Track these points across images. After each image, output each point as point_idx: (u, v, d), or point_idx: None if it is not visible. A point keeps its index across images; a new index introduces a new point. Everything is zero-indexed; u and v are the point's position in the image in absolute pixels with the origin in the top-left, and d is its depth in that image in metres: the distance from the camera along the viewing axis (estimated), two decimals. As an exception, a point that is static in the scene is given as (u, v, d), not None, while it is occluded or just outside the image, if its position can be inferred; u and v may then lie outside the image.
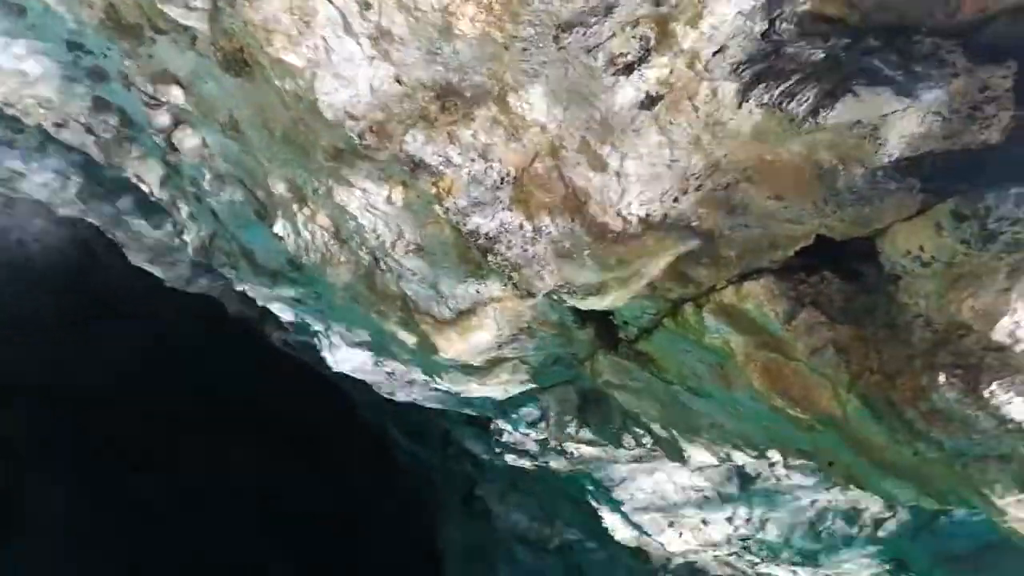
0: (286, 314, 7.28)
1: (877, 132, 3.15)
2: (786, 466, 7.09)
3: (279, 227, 5.15)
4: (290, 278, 6.11)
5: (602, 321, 4.74)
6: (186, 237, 6.91)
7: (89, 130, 6.48)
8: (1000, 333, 2.81)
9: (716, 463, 5.67)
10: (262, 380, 13.34)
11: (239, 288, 7.52)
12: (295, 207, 4.84)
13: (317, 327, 7.02)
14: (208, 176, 5.68)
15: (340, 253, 4.80)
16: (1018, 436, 2.84)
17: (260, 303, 7.68)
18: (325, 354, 7.31)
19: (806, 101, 3.12)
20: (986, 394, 2.84)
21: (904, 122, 3.10)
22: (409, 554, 12.58)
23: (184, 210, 6.71)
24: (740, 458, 5.20)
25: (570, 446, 7.47)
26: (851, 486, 4.08)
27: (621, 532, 8.57)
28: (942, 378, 2.96)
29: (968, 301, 2.90)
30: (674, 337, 4.23)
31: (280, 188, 4.86)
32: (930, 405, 3.04)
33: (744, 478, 7.43)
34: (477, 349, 4.79)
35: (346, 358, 7.08)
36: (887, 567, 7.51)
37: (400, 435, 11.26)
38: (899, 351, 3.28)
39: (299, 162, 4.45)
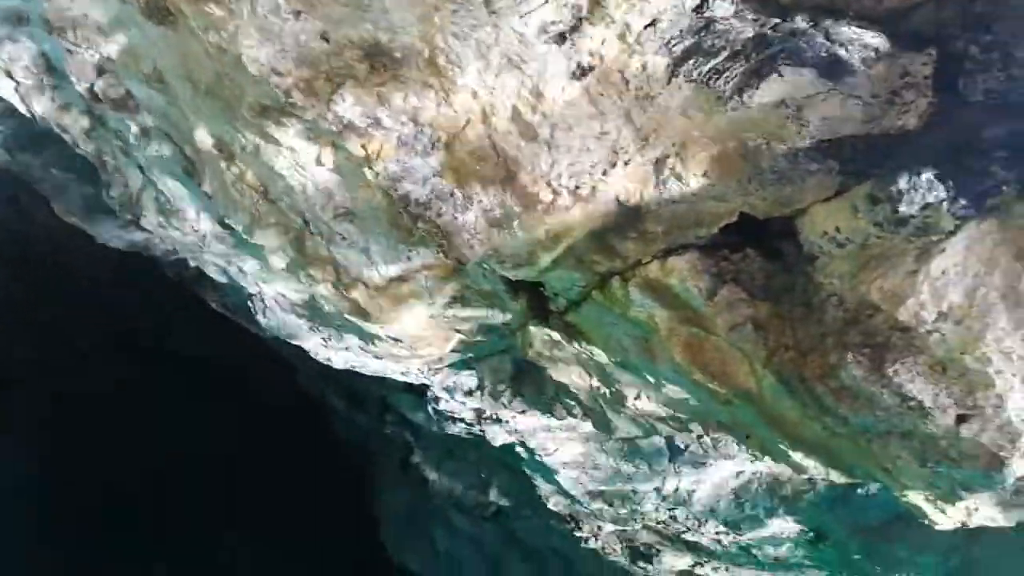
0: (219, 276, 7.12)
1: (800, 113, 3.19)
2: (713, 439, 7.28)
3: (207, 185, 5.00)
4: (220, 238, 5.95)
5: (533, 292, 4.75)
6: (113, 192, 6.66)
7: (8, 75, 6.16)
8: (906, 314, 2.90)
9: (641, 434, 5.77)
10: (199, 342, 13.05)
11: (169, 246, 7.31)
12: (223, 164, 4.70)
13: (251, 290, 6.88)
14: (134, 129, 5.47)
15: (269, 214, 4.68)
16: (919, 414, 2.95)
17: (192, 263, 7.48)
18: (259, 318, 7.18)
19: (733, 79, 3.14)
20: (890, 373, 2.94)
21: (826, 105, 3.15)
22: (346, 520, 12.57)
23: (110, 163, 6.46)
24: (664, 430, 5.31)
25: (505, 415, 7.52)
26: (767, 459, 4.19)
27: (554, 500, 8.70)
28: (850, 356, 3.04)
29: (878, 282, 2.98)
30: (601, 310, 4.27)
31: (207, 144, 4.71)
32: (839, 382, 3.14)
33: (673, 450, 7.59)
34: (407, 314, 4.75)
35: (280, 322, 6.97)
36: (806, 536, 7.79)
37: (338, 402, 11.18)
38: (813, 329, 3.37)
39: (225, 117, 4.31)
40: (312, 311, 6.24)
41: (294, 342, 7.22)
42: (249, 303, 7.21)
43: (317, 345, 7.21)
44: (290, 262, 4.96)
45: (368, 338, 5.78)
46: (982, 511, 3.19)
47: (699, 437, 7.43)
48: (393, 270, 4.50)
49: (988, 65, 3.10)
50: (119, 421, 13.89)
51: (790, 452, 3.86)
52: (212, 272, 7.19)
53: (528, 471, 8.41)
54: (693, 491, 7.85)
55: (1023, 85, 3.12)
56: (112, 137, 5.92)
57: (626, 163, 3.58)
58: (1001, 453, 2.84)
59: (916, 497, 3.26)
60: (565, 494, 8.29)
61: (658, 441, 7.50)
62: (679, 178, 3.55)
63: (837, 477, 3.70)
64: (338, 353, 7.15)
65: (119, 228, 8.93)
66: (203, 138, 4.67)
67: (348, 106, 3.58)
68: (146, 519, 14.15)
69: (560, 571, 10.13)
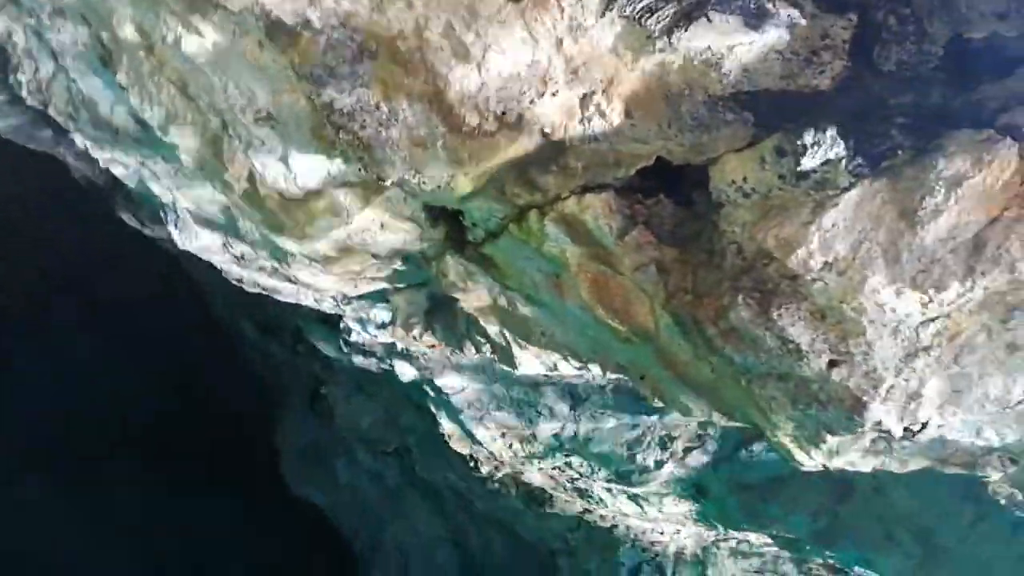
0: (131, 180, 6.82)
1: (722, 62, 3.29)
2: (614, 391, 7.53)
3: (123, 76, 4.77)
4: (134, 138, 5.70)
5: (452, 222, 4.77)
6: (21, 76, 6.25)
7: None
8: (795, 262, 3.07)
9: (544, 372, 5.92)
10: (109, 261, 12.54)
11: (80, 145, 6.95)
12: (142, 54, 4.49)
13: (164, 199, 6.63)
14: (48, 8, 5.14)
15: (187, 111, 4.51)
16: (796, 357, 3.14)
17: (102, 165, 7.14)
18: (172, 230, 6.94)
19: (664, 19, 3.20)
20: (775, 316, 3.11)
21: (749, 56, 3.25)
22: (249, 448, 12.45)
23: (20, 45, 6.05)
24: (566, 368, 5.46)
25: (416, 350, 7.57)
26: (658, 401, 4.39)
27: (457, 440, 8.84)
28: (740, 299, 3.21)
29: (774, 231, 3.14)
30: (517, 244, 4.33)
31: (127, 31, 4.48)
32: (728, 324, 3.31)
33: (575, 398, 7.82)
34: (324, 233, 4.70)
35: (194, 236, 6.76)
36: (690, 491, 8.20)
37: (251, 328, 10.97)
38: (712, 275, 3.52)
39: (149, 4, 4.11)
40: (226, 224, 6.07)
41: (206, 257, 7.02)
42: (161, 213, 6.96)
43: (230, 263, 7.04)
44: (205, 165, 4.81)
45: (281, 256, 5.69)
46: (843, 455, 3.45)
47: (602, 388, 7.68)
48: (312, 183, 4.43)
49: (903, 37, 3.26)
50: (20, 351, 13.31)
51: (680, 393, 4.05)
52: (123, 176, 6.88)
53: (433, 408, 8.49)
54: (590, 439, 8.12)
55: (932, 60, 3.30)
56: (24, 14, 5.54)
57: (554, 94, 3.61)
58: (864, 398, 3.07)
59: (785, 439, 3.49)
60: (467, 433, 8.43)
61: (564, 388, 7.71)
62: (603, 116, 3.62)
63: (719, 419, 3.92)
64: (251, 273, 7.00)
65: (28, 124, 8.40)
66: (124, 24, 4.44)
67: (278, 1, 3.47)
68: (26, 439, 13.62)
69: (457, 509, 10.37)
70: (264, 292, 7.51)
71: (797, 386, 3.27)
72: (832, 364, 3.11)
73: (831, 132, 3.04)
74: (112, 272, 13.04)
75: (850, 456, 3.44)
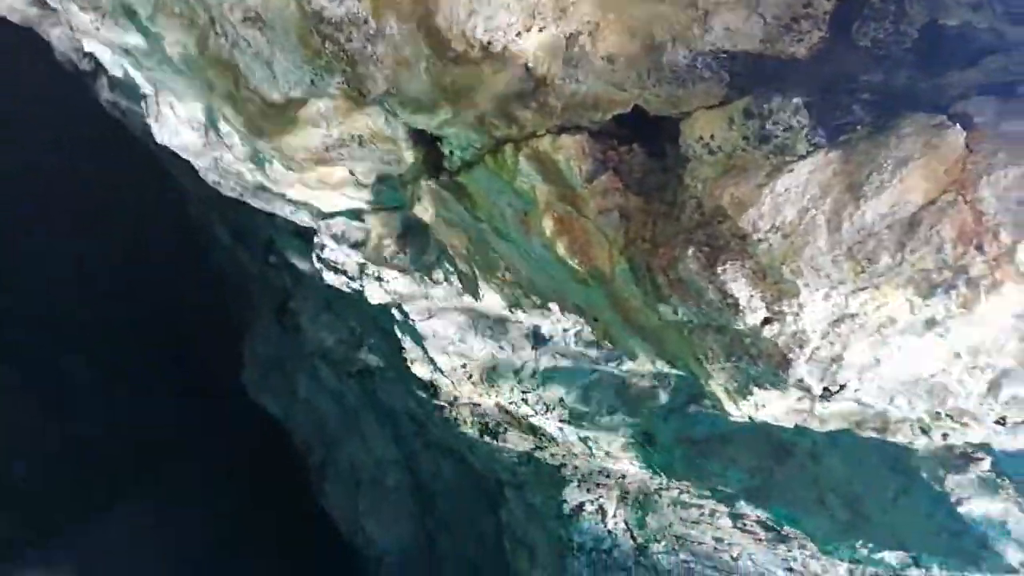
0: (114, 68, 6.74)
1: (708, 18, 3.35)
2: (576, 336, 7.72)
3: (114, -42, 4.70)
4: (122, 23, 5.63)
5: (431, 147, 4.83)
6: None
7: None
8: (746, 221, 3.20)
9: (506, 305, 6.06)
10: (83, 150, 12.37)
11: (67, 25, 6.83)
12: (134, -61, 4.43)
13: (147, 89, 6.59)
14: None
15: (175, 3, 4.49)
16: (734, 312, 3.30)
17: (87, 48, 7.04)
18: (152, 123, 6.90)
19: (655, -33, 3.24)
20: (719, 271, 3.26)
21: (732, 15, 3.32)
22: (212, 354, 12.59)
23: (9, -85, 5.91)
24: (527, 305, 5.61)
25: (386, 274, 7.67)
26: (608, 343, 4.55)
27: (419, 366, 9.02)
28: (690, 252, 3.35)
29: (731, 189, 3.26)
30: (491, 176, 4.42)
31: (121, -87, 4.41)
32: (676, 274, 3.45)
33: (538, 338, 8.01)
34: (304, 142, 4.75)
35: (174, 133, 6.74)
36: (638, 438, 8.50)
37: (225, 234, 10.99)
38: (671, 227, 3.65)
39: None
40: (206, 123, 6.07)
41: (184, 155, 7.01)
42: (143, 105, 6.91)
43: (208, 164, 7.05)
44: (189, 61, 4.80)
45: (260, 161, 5.72)
46: (768, 408, 3.65)
47: (565, 331, 7.86)
48: (295, 91, 4.45)
49: (883, 15, 3.33)
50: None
51: (628, 338, 4.22)
52: (107, 63, 6.80)
53: (398, 333, 8.64)
54: (548, 379, 8.34)
55: (907, 41, 3.38)
56: None
57: (541, 30, 3.66)
58: (790, 356, 3.25)
59: (718, 388, 3.68)
60: (429, 360, 8.60)
61: (526, 327, 7.89)
62: (586, 57, 3.68)
63: (663, 367, 4.10)
64: (228, 176, 7.02)
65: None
66: (117, -96, 4.37)
67: (274, -100, 3.46)
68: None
69: (412, 434, 10.63)
70: (241, 198, 7.54)
71: (732, 340, 3.44)
72: (766, 321, 3.27)
73: (796, 100, 3.13)
74: (85, 165, 12.89)
75: (774, 410, 3.64)
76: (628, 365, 7.77)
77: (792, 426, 3.83)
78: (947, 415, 3.41)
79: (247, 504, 12.91)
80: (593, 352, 7.80)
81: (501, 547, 10.16)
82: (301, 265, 9.44)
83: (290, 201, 6.98)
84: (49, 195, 13.62)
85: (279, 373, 11.49)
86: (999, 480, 5.50)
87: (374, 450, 10.98)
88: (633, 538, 9.51)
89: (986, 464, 5.39)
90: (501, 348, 8.35)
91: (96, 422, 13.28)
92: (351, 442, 11.01)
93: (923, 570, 8.00)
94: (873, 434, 3.74)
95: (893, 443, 6.01)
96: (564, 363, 8.18)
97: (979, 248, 2.82)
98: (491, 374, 8.65)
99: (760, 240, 3.17)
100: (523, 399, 8.85)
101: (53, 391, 13.28)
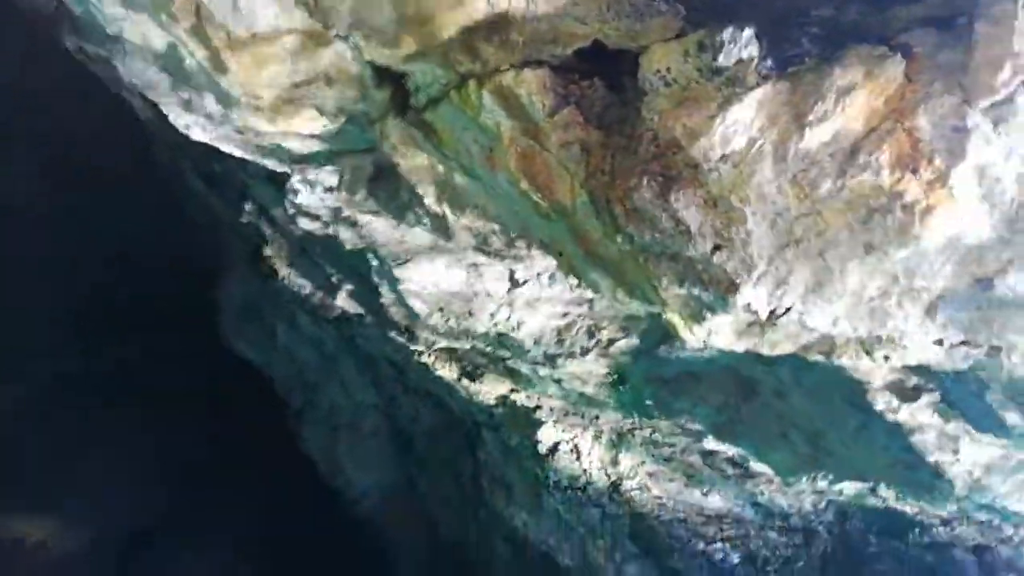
0: (76, 5, 6.62)
1: (664, -50, 3.39)
2: (549, 279, 7.84)
3: None
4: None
5: (397, 86, 4.85)
6: None
7: None
8: (697, 151, 3.30)
9: (477, 244, 6.15)
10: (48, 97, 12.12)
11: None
12: None
13: (111, 30, 6.49)
14: None
15: (136, -64, 4.43)
16: (686, 239, 3.43)
17: (49, -12, 6.90)
18: (118, 64, 6.82)
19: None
20: (672, 200, 3.37)
21: (688, -54, 3.36)
22: (188, 303, 12.59)
23: None
24: (495, 243, 5.70)
25: (360, 218, 7.71)
26: (573, 277, 4.67)
27: (395, 310, 9.13)
28: (645, 182, 3.45)
29: (684, 120, 3.35)
30: (456, 112, 4.46)
31: None
32: (632, 204, 3.56)
33: (513, 282, 8.13)
34: (269, 79, 4.75)
35: (141, 72, 6.66)
36: (610, 378, 8.72)
37: (198, 181, 10.91)
38: (629, 159, 3.74)
39: None
40: (172, 63, 6.01)
41: (152, 98, 6.95)
42: (108, 48, 6.81)
43: (177, 108, 6.99)
44: (154, -3, 4.75)
45: (227, 102, 5.70)
46: (720, 334, 3.81)
47: (539, 275, 7.97)
48: (259, 26, 4.44)
49: (834, -49, 3.39)
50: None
51: (591, 270, 4.34)
52: (70, 2, 6.68)
53: (375, 279, 8.72)
54: (523, 322, 8.48)
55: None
56: None
57: (500, -37, 3.68)
58: (738, 281, 3.38)
59: (673, 315, 3.83)
60: (406, 306, 8.71)
61: (500, 271, 8.00)
62: (546, -9, 3.71)
63: (623, 296, 4.22)
64: (197, 119, 6.97)
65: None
66: None
67: None
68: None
69: (391, 379, 10.80)
70: (211, 143, 7.50)
71: (685, 267, 3.57)
72: (716, 248, 3.40)
73: (748, 33, 3.21)
74: (53, 110, 12.62)
75: (726, 336, 3.80)
76: (600, 308, 7.94)
77: (742, 350, 3.99)
78: (887, 337, 3.58)
79: (228, 449, 13.11)
80: (567, 295, 7.93)
81: (479, 486, 10.45)
82: (275, 212, 9.42)
83: (259, 146, 6.97)
84: (13, 144, 13.39)
85: (256, 320, 11.56)
86: (948, 409, 5.75)
87: (353, 395, 11.15)
88: (607, 476, 9.83)
89: (936, 395, 5.63)
90: (476, 293, 8.45)
91: (77, 362, 13.30)
92: (330, 387, 11.17)
93: (880, 499, 8.37)
94: (820, 358, 3.91)
95: (853, 380, 6.26)
96: (538, 306, 8.31)
97: (915, 173, 2.95)
98: (467, 317, 8.76)
99: (711, 169, 3.27)
100: (499, 342, 9.00)
101: (30, 333, 13.25)
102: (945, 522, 8.92)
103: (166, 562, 12.48)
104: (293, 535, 12.78)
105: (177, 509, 12.89)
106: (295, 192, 7.99)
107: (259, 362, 11.70)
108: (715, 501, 9.50)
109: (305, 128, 5.88)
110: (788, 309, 3.44)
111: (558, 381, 9.12)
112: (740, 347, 3.95)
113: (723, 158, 3.23)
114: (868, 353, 3.86)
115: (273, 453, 12.00)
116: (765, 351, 3.94)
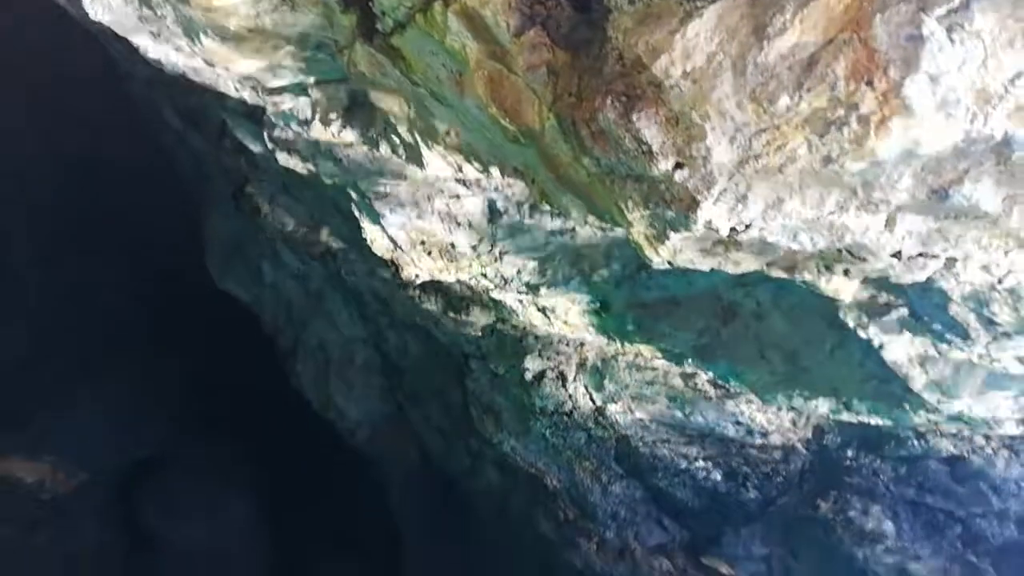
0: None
1: None
2: (531, 209, 7.86)
3: None
4: None
5: (364, 10, 4.79)
6: None
7: None
8: (658, 68, 3.31)
9: (451, 174, 6.16)
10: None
11: None
12: None
13: (73, -39, 6.34)
14: None
15: None
16: (648, 159, 3.47)
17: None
18: (85, 3, 6.67)
19: None
20: (634, 119, 3.39)
21: None
22: (172, 239, 12.59)
23: None
24: (470, 172, 5.72)
25: (338, 151, 7.68)
26: (546, 204, 4.71)
27: (379, 244, 9.16)
28: (609, 102, 3.46)
29: (646, 37, 3.34)
30: (423, 36, 4.42)
31: None
32: (597, 125, 3.58)
33: (494, 212, 8.15)
34: (233, 6, 4.67)
35: (106, 7, 6.53)
36: (593, 305, 8.84)
37: (175, 117, 10.77)
38: (595, 80, 3.74)
39: None
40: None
41: (121, 33, 6.82)
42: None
43: (147, 41, 6.87)
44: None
45: (194, 32, 5.62)
46: (684, 253, 3.88)
47: (518, 205, 7.99)
48: (219, -49, 4.35)
49: None
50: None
51: (562, 196, 4.38)
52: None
53: (356, 213, 8.73)
54: (505, 252, 8.55)
55: None
56: None
57: None
58: (698, 198, 3.44)
59: (639, 236, 3.89)
60: (389, 240, 8.75)
61: (480, 203, 8.01)
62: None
63: (595, 221, 4.28)
64: (168, 52, 6.87)
65: None
66: None
67: None
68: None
69: (378, 313, 10.92)
70: (184, 77, 7.40)
71: (649, 187, 3.61)
72: (677, 166, 3.44)
73: (708, -58, 3.17)
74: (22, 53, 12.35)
75: (690, 254, 3.88)
76: (581, 237, 8.00)
77: (707, 269, 4.08)
78: (847, 251, 3.66)
79: (222, 386, 13.34)
80: (548, 224, 7.97)
81: (468, 415, 10.70)
82: (255, 147, 9.35)
83: (231, 78, 6.89)
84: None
85: (241, 258, 11.59)
86: (916, 324, 5.89)
87: (342, 330, 11.28)
88: (592, 400, 10.07)
89: (904, 311, 5.76)
90: (458, 224, 8.48)
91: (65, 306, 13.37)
92: (318, 323, 11.29)
93: (853, 413, 8.64)
94: (783, 274, 4.00)
95: (828, 300, 6.38)
96: (520, 237, 8.36)
97: (870, 84, 2.97)
98: (450, 249, 8.81)
99: (672, 87, 3.28)
100: (482, 274, 9.07)
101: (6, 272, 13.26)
102: (919, 435, 9.22)
103: (163, 496, 12.84)
104: (288, 467, 13.14)
105: (173, 444, 13.19)
106: (272, 126, 7.94)
107: (247, 299, 11.79)
108: (697, 422, 9.76)
109: (275, 58, 5.82)
110: (748, 226, 3.51)
111: (543, 310, 9.25)
112: (705, 266, 4.03)
113: (684, 74, 3.24)
114: (828, 268, 3.95)
115: (265, 388, 12.22)
116: (730, 269, 4.02)
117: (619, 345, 9.55)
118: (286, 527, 13.10)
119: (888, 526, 9.73)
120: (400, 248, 8.94)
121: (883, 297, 5.81)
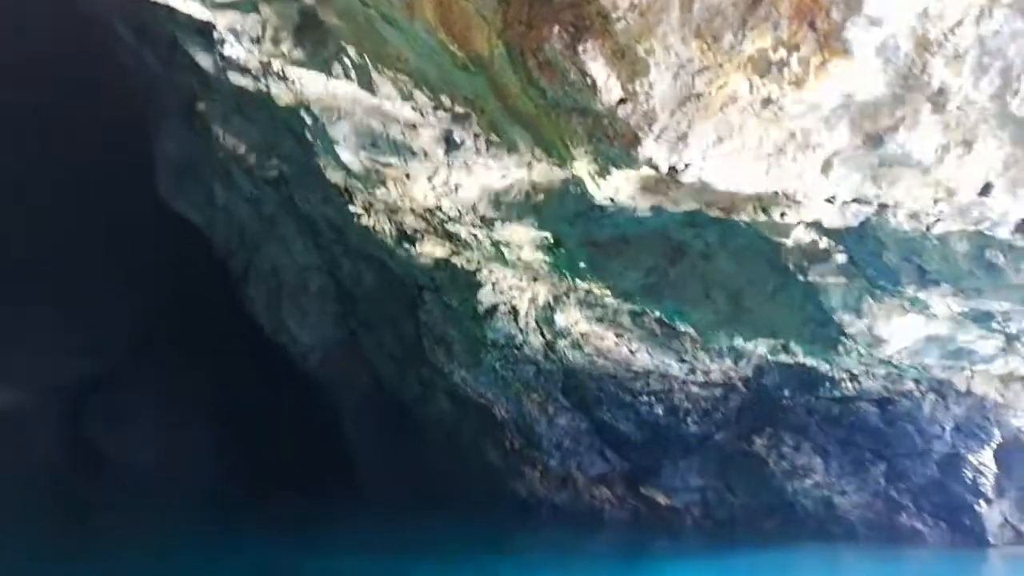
0: None
1: None
2: (487, 144, 7.78)
3: None
4: None
5: (314, -77, 4.60)
6: None
7: None
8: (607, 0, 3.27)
9: (402, 100, 6.06)
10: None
11: None
12: None
13: None
14: None
15: None
16: (592, 92, 3.46)
17: None
18: None
19: None
20: (580, 51, 3.37)
21: None
22: (121, 160, 12.21)
23: None
24: (420, 98, 5.63)
25: (289, 71, 7.46)
26: (494, 135, 4.67)
27: (332, 171, 9.02)
28: (556, 31, 3.42)
29: (597, -35, 3.28)
30: (373, -45, 4.28)
31: None
32: (544, 56, 3.54)
33: (450, 144, 8.04)
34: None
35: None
36: (547, 241, 8.88)
37: (127, 31, 10.31)
38: (545, 9, 3.68)
39: None
40: None
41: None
42: None
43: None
44: None
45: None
46: (625, 189, 3.92)
47: (476, 136, 7.89)
48: None
49: None
50: None
51: (509, 127, 4.35)
52: None
53: (309, 137, 8.54)
54: (460, 185, 8.47)
55: None
56: None
57: None
58: (640, 135, 3.46)
59: (582, 171, 3.91)
60: (342, 166, 8.60)
61: (436, 133, 7.89)
62: None
63: (540, 155, 4.27)
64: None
65: None
66: None
67: None
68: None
69: (332, 241, 10.82)
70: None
71: (593, 121, 3.61)
72: (620, 101, 3.44)
73: None
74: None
75: (631, 191, 3.91)
76: (537, 171, 7.96)
77: (648, 207, 4.13)
78: (784, 194, 3.73)
79: (171, 307, 13.22)
80: (504, 158, 7.91)
81: (420, 345, 10.79)
82: (206, 65, 9.03)
83: (184, -11, 6.60)
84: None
85: (193, 179, 11.31)
86: (853, 269, 6.08)
87: (296, 257, 11.19)
88: (542, 335, 10.24)
89: (843, 256, 5.93)
90: (413, 153, 8.36)
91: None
92: (271, 248, 11.17)
93: (791, 355, 8.96)
94: (720, 214, 4.07)
95: (773, 242, 6.53)
96: (476, 170, 8.28)
97: (812, 26, 2.99)
98: (404, 180, 8.71)
99: (619, 19, 3.25)
100: (437, 205, 9.00)
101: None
102: (853, 377, 9.62)
103: (116, 415, 12.82)
104: (241, 391, 13.18)
105: (126, 365, 13.10)
106: (222, 43, 7.67)
107: (199, 222, 11.57)
108: (643, 359, 10.02)
109: (221, -31, 5.57)
110: (688, 165, 3.55)
111: (496, 244, 9.26)
112: (645, 204, 4.07)
113: (632, 6, 3.21)
114: (765, 211, 4.03)
115: (218, 311, 12.13)
116: (670, 208, 4.08)
117: (570, 282, 9.65)
118: (237, 450, 13.24)
119: (817, 462, 10.24)
120: (354, 176, 8.81)
121: (824, 243, 5.96)
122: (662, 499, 10.74)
